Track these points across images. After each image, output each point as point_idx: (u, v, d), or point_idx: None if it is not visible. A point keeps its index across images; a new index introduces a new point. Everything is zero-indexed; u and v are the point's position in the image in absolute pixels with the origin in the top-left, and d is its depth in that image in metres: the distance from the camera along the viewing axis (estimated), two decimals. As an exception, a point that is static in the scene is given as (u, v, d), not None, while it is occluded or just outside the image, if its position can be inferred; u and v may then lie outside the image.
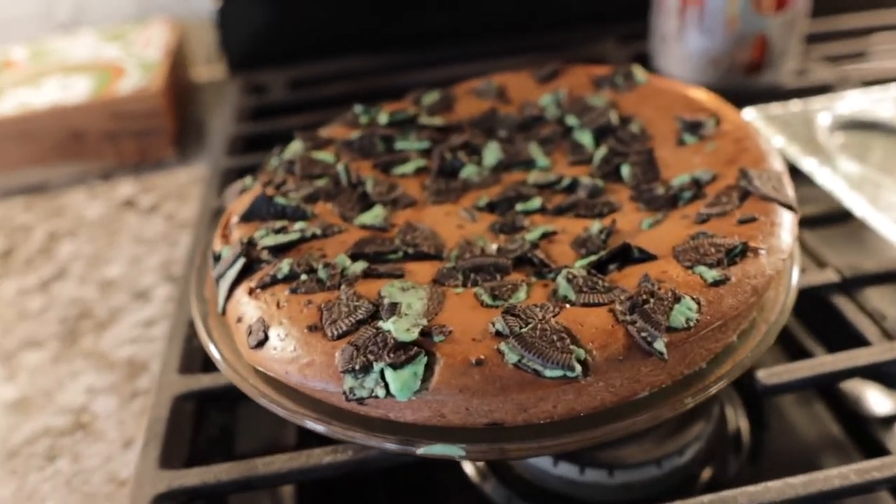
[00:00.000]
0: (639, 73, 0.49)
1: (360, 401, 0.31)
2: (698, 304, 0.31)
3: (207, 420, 0.44)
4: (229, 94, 0.80)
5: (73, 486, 0.44)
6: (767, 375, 0.39)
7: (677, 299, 0.31)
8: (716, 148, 0.42)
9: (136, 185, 0.74)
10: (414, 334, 0.31)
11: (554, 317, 0.31)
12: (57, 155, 0.75)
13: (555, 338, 0.30)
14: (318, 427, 0.32)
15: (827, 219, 0.50)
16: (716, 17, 0.62)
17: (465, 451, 0.31)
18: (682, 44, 0.65)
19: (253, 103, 0.79)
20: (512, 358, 0.30)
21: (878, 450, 0.42)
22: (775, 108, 0.57)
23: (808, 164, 0.51)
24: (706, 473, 0.43)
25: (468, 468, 0.43)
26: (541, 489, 0.42)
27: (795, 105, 0.57)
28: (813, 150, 0.52)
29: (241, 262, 0.38)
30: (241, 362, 0.36)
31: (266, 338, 0.34)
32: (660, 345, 0.29)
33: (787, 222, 0.36)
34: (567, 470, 0.40)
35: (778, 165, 0.40)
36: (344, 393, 0.30)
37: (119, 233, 0.67)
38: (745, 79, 0.65)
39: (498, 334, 0.31)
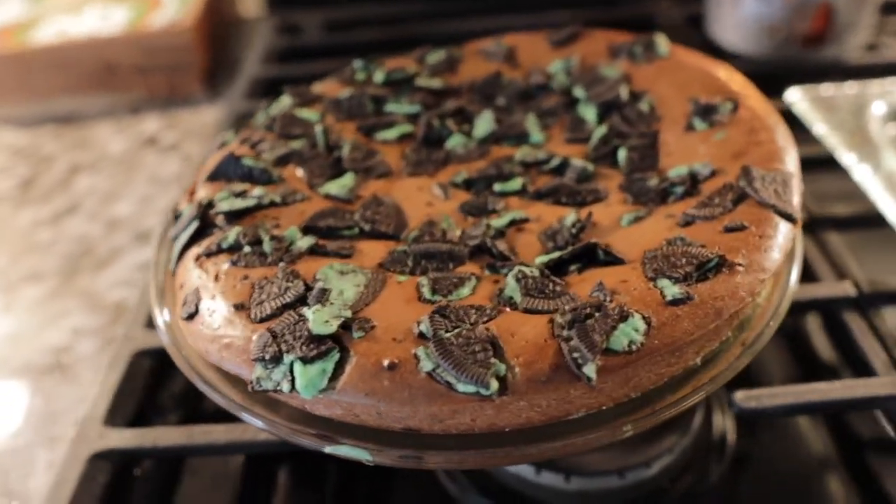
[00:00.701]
0: (661, 43, 0.44)
1: (266, 392, 0.29)
2: (648, 324, 0.28)
3: (169, 377, 0.44)
4: (262, 32, 0.78)
5: (39, 428, 0.45)
6: (745, 398, 0.35)
7: (624, 317, 0.28)
8: (725, 137, 0.37)
9: (162, 120, 0.74)
10: (332, 327, 0.28)
11: (487, 322, 0.29)
12: (89, 86, 0.75)
13: (477, 348, 0.27)
14: (224, 404, 0.31)
15: (860, 221, 0.45)
16: (775, -20, 0.55)
17: (373, 455, 0.29)
18: (737, 8, 0.59)
19: (284, 44, 0.76)
20: (426, 365, 0.27)
21: (866, 477, 0.38)
22: (826, 89, 0.50)
23: (848, 158, 0.45)
24: (683, 482, 0.40)
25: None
26: (497, 484, 0.40)
27: (850, 87, 0.51)
28: (858, 142, 0.46)
29: (194, 224, 0.36)
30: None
31: (196, 311, 0.32)
32: (590, 369, 0.26)
33: (780, 235, 0.32)
34: (523, 469, 0.38)
35: (790, 165, 0.35)
36: (250, 382, 0.29)
37: (136, 170, 0.67)
38: (804, 51, 0.58)
39: (421, 336, 0.28)
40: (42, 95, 0.75)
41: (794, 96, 0.50)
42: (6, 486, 0.42)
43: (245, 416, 0.31)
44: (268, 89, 0.69)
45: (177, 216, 0.38)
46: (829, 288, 0.40)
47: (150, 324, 0.44)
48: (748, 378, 0.39)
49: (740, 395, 0.35)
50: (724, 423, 0.41)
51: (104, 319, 0.51)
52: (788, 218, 0.32)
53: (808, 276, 0.43)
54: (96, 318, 0.52)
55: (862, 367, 0.38)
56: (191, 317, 0.33)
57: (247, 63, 0.74)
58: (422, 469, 0.29)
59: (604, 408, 0.29)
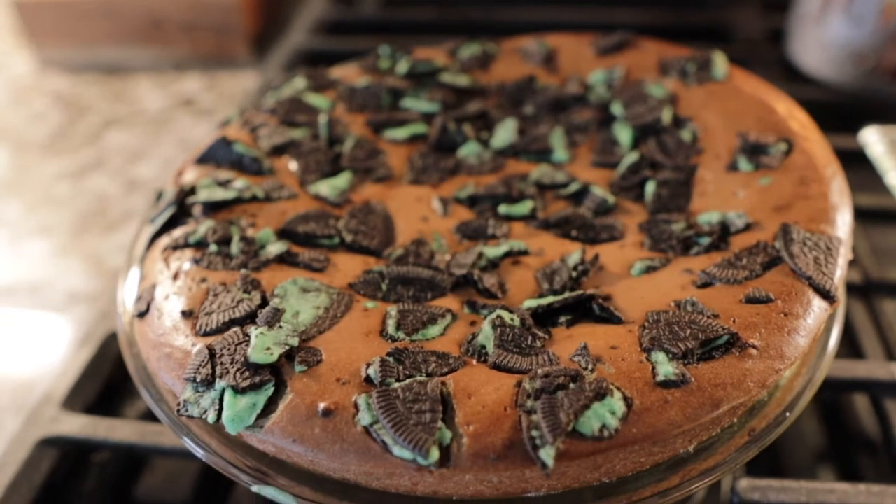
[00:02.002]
0: (719, 64, 0.39)
1: (192, 418, 0.26)
2: (629, 407, 0.24)
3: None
4: (314, 1, 0.75)
5: (14, 393, 0.43)
6: (750, 488, 0.30)
7: (601, 395, 0.23)
8: (770, 184, 0.32)
9: (203, 81, 0.72)
10: (272, 356, 0.25)
11: (446, 374, 0.25)
12: (136, 38, 0.74)
13: (426, 406, 0.24)
14: (166, 422, 0.28)
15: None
16: (869, 2, 0.49)
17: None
18: (822, 29, 0.53)
19: (336, 16, 0.73)
20: (364, 418, 0.24)
21: None
22: (909, 132, 0.44)
23: (921, 219, 0.39)
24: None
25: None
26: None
27: (940, 133, 0.44)
28: (936, 200, 0.40)
29: (170, 211, 0.33)
30: (141, 323, 0.32)
31: (147, 310, 0.30)
32: (547, 454, 0.22)
33: (811, 316, 0.27)
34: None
35: (840, 230, 0.30)
36: (178, 404, 0.26)
37: (167, 131, 0.66)
38: (893, 85, 0.51)
39: (367, 381, 0.25)
40: (89, 43, 0.74)
41: (871, 136, 0.44)
42: (-30, 449, 0.41)
43: (184, 439, 0.28)
44: (309, 62, 0.66)
45: (158, 198, 0.36)
46: (873, 368, 0.35)
47: (130, 303, 0.41)
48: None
49: (744, 485, 0.30)
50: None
51: (102, 286, 0.50)
52: (825, 295, 0.27)
53: (852, 348, 0.38)
54: (95, 284, 0.50)
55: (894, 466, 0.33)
56: (142, 315, 0.30)
57: (293, 32, 0.71)
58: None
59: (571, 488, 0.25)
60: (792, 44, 0.57)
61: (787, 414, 0.27)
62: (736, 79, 0.39)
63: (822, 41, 0.53)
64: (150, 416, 0.38)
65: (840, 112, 0.52)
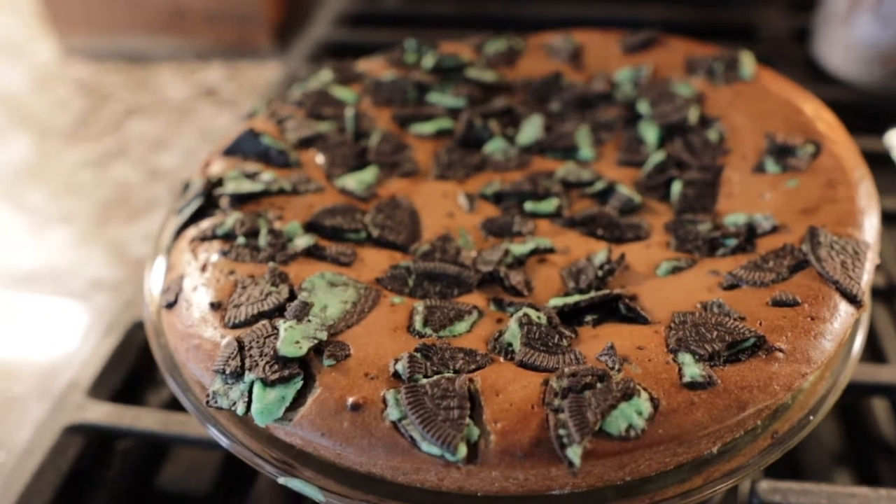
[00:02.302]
0: (747, 63, 0.39)
1: (221, 410, 0.26)
2: (655, 408, 0.24)
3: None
4: (338, -8, 0.75)
5: (38, 380, 0.44)
6: (770, 490, 0.30)
7: (628, 395, 0.24)
8: (798, 186, 0.32)
9: (225, 71, 0.72)
10: (301, 350, 0.26)
11: (474, 371, 0.25)
12: (159, 27, 0.74)
13: (454, 403, 0.24)
14: (192, 410, 0.28)
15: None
16: (898, 2, 0.49)
17: (327, 497, 0.26)
18: (850, 28, 0.52)
19: (359, 8, 0.73)
20: (393, 413, 0.24)
21: None
22: (937, 136, 0.44)
23: (946, 224, 0.39)
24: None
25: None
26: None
27: (967, 137, 0.44)
28: (963, 205, 0.40)
29: (197, 202, 0.34)
30: (168, 313, 0.33)
31: (175, 301, 0.30)
32: (574, 453, 0.23)
33: (837, 320, 0.27)
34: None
35: (868, 234, 0.30)
36: (207, 395, 0.26)
37: (189, 121, 0.66)
38: (920, 87, 0.51)
39: (395, 376, 0.25)
40: (112, 31, 0.75)
41: (895, 139, 0.44)
42: (-3, 433, 0.41)
43: (210, 429, 0.28)
44: (331, 54, 0.66)
45: (185, 188, 0.36)
46: (895, 373, 0.35)
47: (155, 293, 0.42)
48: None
49: (765, 486, 0.31)
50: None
51: (124, 274, 0.50)
52: (852, 300, 0.27)
53: (873, 352, 0.38)
54: (117, 272, 0.50)
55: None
56: (170, 306, 0.30)
57: (316, 23, 0.71)
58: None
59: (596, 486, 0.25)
60: (817, 43, 0.57)
61: (811, 417, 0.27)
62: (763, 79, 0.39)
63: (848, 41, 0.53)
64: (173, 406, 0.39)
65: (865, 113, 0.51)
